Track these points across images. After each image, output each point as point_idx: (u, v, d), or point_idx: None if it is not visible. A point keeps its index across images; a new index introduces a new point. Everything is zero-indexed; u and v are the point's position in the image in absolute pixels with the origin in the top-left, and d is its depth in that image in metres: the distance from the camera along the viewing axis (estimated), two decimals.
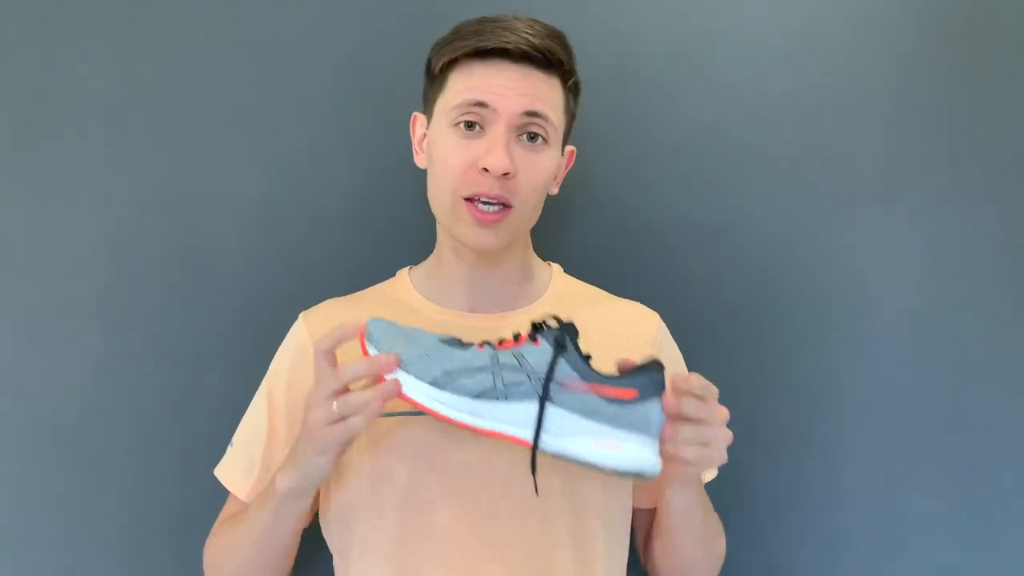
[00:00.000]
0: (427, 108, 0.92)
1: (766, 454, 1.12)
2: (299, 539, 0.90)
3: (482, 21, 0.87)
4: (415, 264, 1.00)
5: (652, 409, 0.74)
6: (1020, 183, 1.12)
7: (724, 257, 1.13)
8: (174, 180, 1.11)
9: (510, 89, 0.84)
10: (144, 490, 1.10)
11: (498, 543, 0.84)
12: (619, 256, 1.13)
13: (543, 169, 0.88)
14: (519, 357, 0.76)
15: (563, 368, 0.75)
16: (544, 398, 0.74)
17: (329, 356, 0.78)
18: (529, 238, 0.97)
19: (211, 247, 1.11)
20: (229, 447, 0.97)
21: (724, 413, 0.78)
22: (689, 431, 0.75)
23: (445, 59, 0.87)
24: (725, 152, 1.13)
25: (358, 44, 1.13)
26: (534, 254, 0.99)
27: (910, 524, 1.11)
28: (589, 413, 0.74)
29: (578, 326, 0.85)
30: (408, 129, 0.96)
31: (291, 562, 0.93)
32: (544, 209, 0.93)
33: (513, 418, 0.75)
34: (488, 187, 0.84)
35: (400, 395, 0.75)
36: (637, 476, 0.74)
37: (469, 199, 0.85)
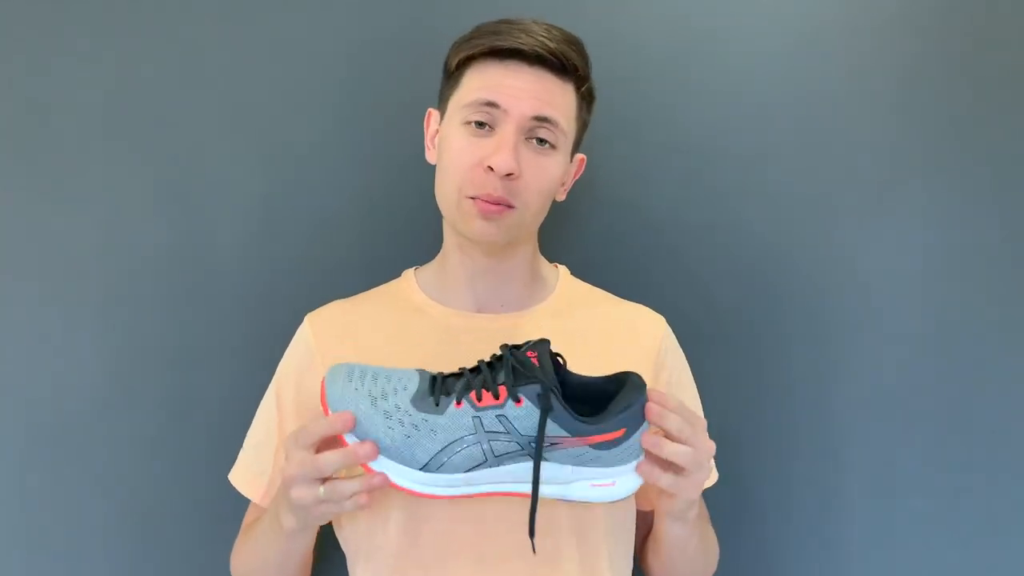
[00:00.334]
0: (441, 104, 0.92)
1: (767, 454, 1.11)
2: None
3: (501, 22, 0.87)
4: (421, 264, 1.00)
5: (639, 436, 0.74)
6: (1020, 184, 1.12)
7: (725, 258, 1.13)
8: (177, 180, 1.11)
9: (522, 91, 0.84)
10: (145, 490, 1.09)
11: (501, 553, 0.84)
12: (622, 257, 1.13)
13: (549, 173, 0.88)
14: (503, 421, 0.72)
15: (552, 429, 0.72)
16: (537, 465, 0.72)
17: (312, 436, 0.75)
18: (536, 239, 0.97)
19: (215, 247, 1.11)
20: (241, 452, 0.97)
21: (710, 445, 0.77)
22: (672, 447, 0.74)
23: (462, 56, 0.87)
24: (725, 153, 1.13)
25: (363, 44, 1.13)
26: (541, 256, 0.99)
27: (910, 524, 1.11)
28: (583, 461, 0.74)
29: (585, 328, 0.85)
30: (413, 128, 0.96)
31: (311, 562, 0.95)
32: (548, 211, 0.93)
33: (508, 477, 0.74)
34: (492, 188, 0.84)
35: (391, 485, 0.73)
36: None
37: (473, 198, 0.85)
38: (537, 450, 0.71)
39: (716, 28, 1.13)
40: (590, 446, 0.72)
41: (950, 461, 1.11)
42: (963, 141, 1.13)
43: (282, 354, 0.96)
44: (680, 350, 0.99)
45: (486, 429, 0.71)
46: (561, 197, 0.95)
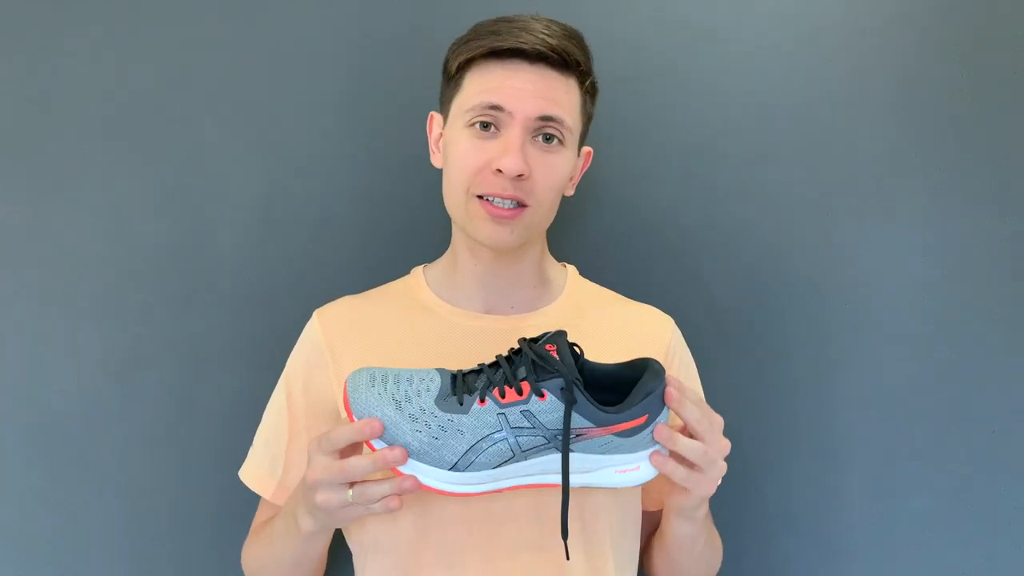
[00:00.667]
0: (443, 108, 0.91)
1: (767, 454, 1.12)
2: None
3: (499, 21, 0.86)
4: (427, 262, 1.00)
5: (660, 421, 0.75)
6: (1020, 184, 1.12)
7: (725, 258, 1.13)
8: (181, 180, 1.11)
9: (525, 91, 0.83)
10: (146, 491, 1.09)
11: (510, 548, 0.84)
12: (621, 258, 1.13)
13: (558, 170, 0.87)
14: (528, 416, 0.72)
15: (577, 420, 0.72)
16: (566, 461, 0.72)
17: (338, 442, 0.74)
18: (545, 239, 0.96)
19: (219, 247, 1.11)
20: (251, 449, 0.97)
21: (726, 443, 0.77)
22: (686, 443, 0.74)
23: (461, 59, 0.86)
24: (725, 153, 1.13)
25: (368, 43, 1.13)
26: (550, 256, 0.99)
27: (910, 524, 1.11)
28: (608, 450, 0.74)
29: (595, 330, 0.85)
30: (415, 127, 0.96)
31: (325, 561, 0.95)
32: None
33: (536, 470, 0.75)
34: (502, 187, 0.84)
35: (421, 487, 0.73)
36: None
37: (482, 197, 0.85)
38: (564, 444, 0.72)
39: (716, 28, 1.13)
40: (614, 435, 0.73)
41: (950, 461, 1.11)
42: (963, 141, 1.13)
43: (288, 352, 0.96)
44: (688, 350, 0.99)
45: (512, 425, 0.71)
46: (570, 192, 0.95)
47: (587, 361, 0.77)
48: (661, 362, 0.93)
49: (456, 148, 0.87)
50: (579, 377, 0.71)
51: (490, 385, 0.73)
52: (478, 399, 0.72)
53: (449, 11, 1.10)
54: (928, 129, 1.13)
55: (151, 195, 1.11)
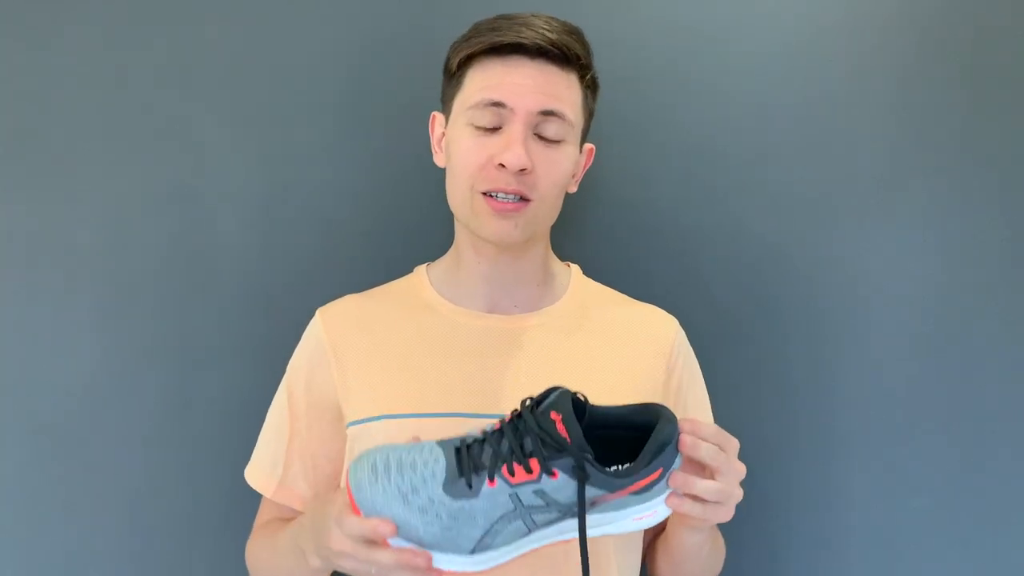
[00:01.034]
0: (445, 106, 0.92)
1: (767, 454, 1.11)
2: None
3: (499, 18, 0.87)
4: (429, 260, 0.99)
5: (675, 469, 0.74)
6: (1020, 184, 1.12)
7: (725, 258, 1.13)
8: (182, 180, 1.11)
9: (526, 87, 0.84)
10: (146, 491, 1.09)
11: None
12: (621, 257, 1.13)
13: (561, 166, 0.87)
14: (541, 495, 0.69)
15: (591, 491, 0.70)
16: (583, 534, 0.70)
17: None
18: (548, 238, 0.96)
19: (218, 245, 1.11)
20: (255, 449, 0.97)
21: (741, 468, 0.76)
22: (703, 485, 0.73)
23: (462, 56, 0.87)
24: (725, 153, 1.13)
25: (369, 43, 1.13)
26: (554, 255, 0.99)
27: (910, 524, 1.11)
28: (625, 505, 0.73)
29: (599, 330, 0.83)
30: (421, 128, 0.96)
31: None
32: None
33: (554, 533, 0.73)
34: (505, 183, 0.84)
35: (444, 573, 0.71)
36: None
37: (486, 193, 0.85)
38: (580, 521, 0.70)
39: (716, 28, 1.13)
40: (630, 494, 0.71)
41: (950, 461, 1.11)
42: (963, 141, 1.13)
43: (290, 352, 0.96)
44: (691, 351, 0.99)
45: (525, 504, 0.69)
46: (573, 189, 0.95)
47: (593, 407, 0.74)
48: (666, 362, 0.93)
49: (459, 145, 0.87)
50: (589, 452, 0.68)
51: (498, 460, 0.69)
52: (487, 479, 0.69)
53: (449, 11, 1.10)
54: (928, 129, 1.13)
55: (152, 195, 1.11)
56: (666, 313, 0.98)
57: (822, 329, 1.13)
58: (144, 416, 1.10)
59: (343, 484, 0.76)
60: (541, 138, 0.86)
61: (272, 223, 1.12)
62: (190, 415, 1.10)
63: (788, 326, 1.13)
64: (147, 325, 1.10)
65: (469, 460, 0.70)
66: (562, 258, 1.03)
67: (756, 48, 1.13)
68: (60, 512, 1.09)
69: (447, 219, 0.95)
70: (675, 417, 0.73)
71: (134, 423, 1.10)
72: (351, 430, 0.89)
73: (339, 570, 0.77)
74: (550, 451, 0.68)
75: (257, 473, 0.96)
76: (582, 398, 0.74)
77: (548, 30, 0.84)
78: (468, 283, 0.93)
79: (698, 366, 0.99)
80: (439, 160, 0.94)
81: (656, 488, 0.72)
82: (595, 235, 1.13)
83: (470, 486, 0.68)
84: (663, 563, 0.95)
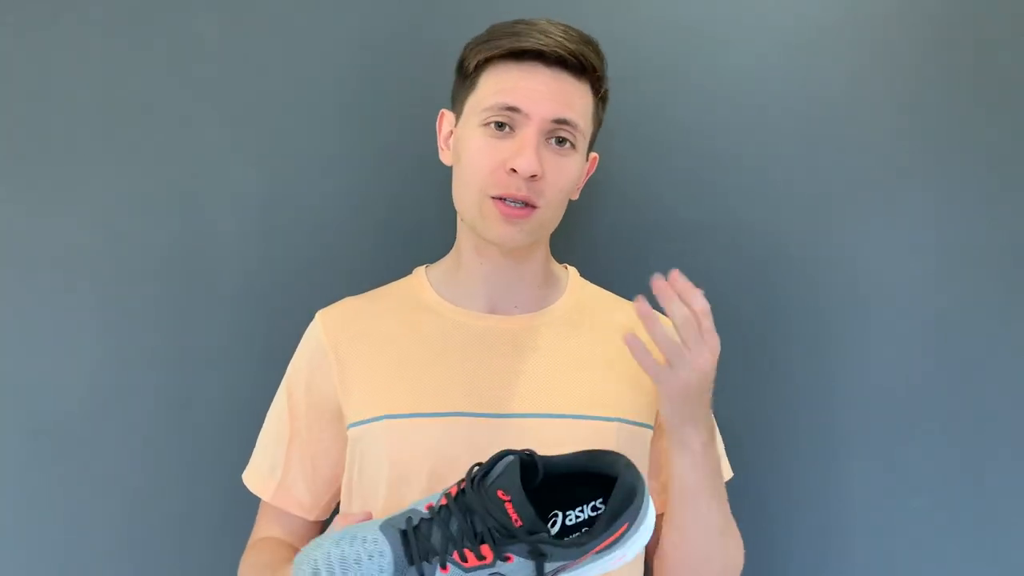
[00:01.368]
0: (456, 105, 0.91)
1: (767, 454, 1.12)
2: None
3: (517, 23, 0.87)
4: (428, 262, 0.99)
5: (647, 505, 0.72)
6: (1020, 184, 1.12)
7: (725, 258, 1.13)
8: (182, 180, 1.11)
9: (542, 94, 0.84)
10: (146, 491, 1.09)
11: None
12: (621, 257, 1.13)
13: (569, 173, 0.88)
14: None
15: (553, 566, 0.67)
16: None
17: None
18: (548, 241, 0.96)
19: (221, 247, 1.11)
20: (254, 452, 0.97)
21: (714, 343, 0.79)
22: (660, 332, 0.77)
23: (480, 57, 0.87)
24: (725, 153, 1.13)
25: (370, 43, 1.13)
26: (552, 257, 0.99)
27: (910, 524, 1.11)
28: (594, 561, 0.70)
29: (597, 331, 0.84)
30: (422, 128, 0.96)
31: None
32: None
33: None
34: (516, 188, 0.84)
35: None
36: None
37: (497, 198, 0.85)
38: None
39: (717, 28, 1.13)
40: (596, 553, 0.69)
41: (950, 461, 1.11)
42: (963, 141, 1.13)
43: (290, 354, 0.96)
44: None
45: None
46: (575, 196, 0.95)
47: (547, 460, 0.71)
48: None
49: (469, 146, 0.87)
50: (545, 531, 0.65)
51: (448, 545, 0.66)
52: (439, 567, 0.65)
53: (450, 11, 1.10)
54: (928, 129, 1.13)
55: (152, 195, 1.11)
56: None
57: (822, 329, 1.13)
58: (144, 417, 1.10)
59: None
60: (552, 145, 0.86)
61: (272, 224, 1.12)
62: (190, 416, 1.10)
63: (788, 326, 1.13)
64: (147, 326, 1.10)
65: (418, 545, 0.66)
66: (562, 256, 1.03)
67: (756, 48, 1.13)
68: (60, 512, 1.09)
69: (446, 220, 0.95)
70: (632, 463, 0.71)
71: (134, 424, 1.10)
72: (352, 431, 0.89)
73: None
74: (501, 537, 0.65)
75: (255, 476, 0.96)
76: (529, 455, 0.70)
77: (567, 39, 0.85)
78: (468, 284, 0.93)
79: None
80: (445, 158, 0.94)
81: (624, 536, 0.70)
82: (595, 235, 1.13)
83: (422, 575, 0.65)
84: (667, 539, 0.91)
